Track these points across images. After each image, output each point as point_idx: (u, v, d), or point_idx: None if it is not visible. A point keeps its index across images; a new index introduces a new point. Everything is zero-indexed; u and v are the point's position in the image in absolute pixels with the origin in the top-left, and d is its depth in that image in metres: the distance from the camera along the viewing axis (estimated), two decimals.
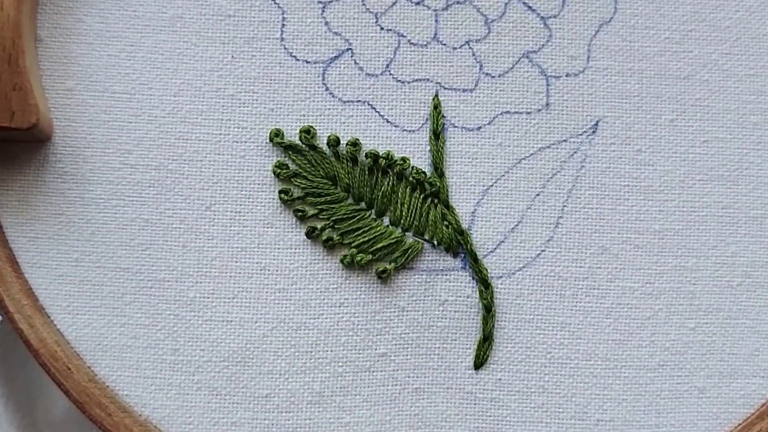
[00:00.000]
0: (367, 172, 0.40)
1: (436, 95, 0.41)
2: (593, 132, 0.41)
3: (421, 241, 0.40)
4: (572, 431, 0.39)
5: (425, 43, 0.41)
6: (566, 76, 0.41)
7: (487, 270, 0.40)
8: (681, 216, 0.40)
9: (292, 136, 0.40)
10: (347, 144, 0.40)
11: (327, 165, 0.40)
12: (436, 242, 0.40)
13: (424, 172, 0.40)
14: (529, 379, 0.40)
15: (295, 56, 0.41)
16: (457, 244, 0.40)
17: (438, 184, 0.40)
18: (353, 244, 0.40)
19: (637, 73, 0.41)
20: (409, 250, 0.40)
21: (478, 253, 0.40)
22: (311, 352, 0.40)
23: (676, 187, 0.41)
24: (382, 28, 0.41)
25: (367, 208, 0.40)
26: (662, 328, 0.40)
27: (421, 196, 0.40)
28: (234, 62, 0.40)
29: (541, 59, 0.41)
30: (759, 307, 0.40)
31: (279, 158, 0.40)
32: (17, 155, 0.40)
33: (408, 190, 0.40)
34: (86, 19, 0.40)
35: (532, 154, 0.41)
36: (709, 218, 0.40)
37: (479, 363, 0.40)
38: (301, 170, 0.40)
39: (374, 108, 0.40)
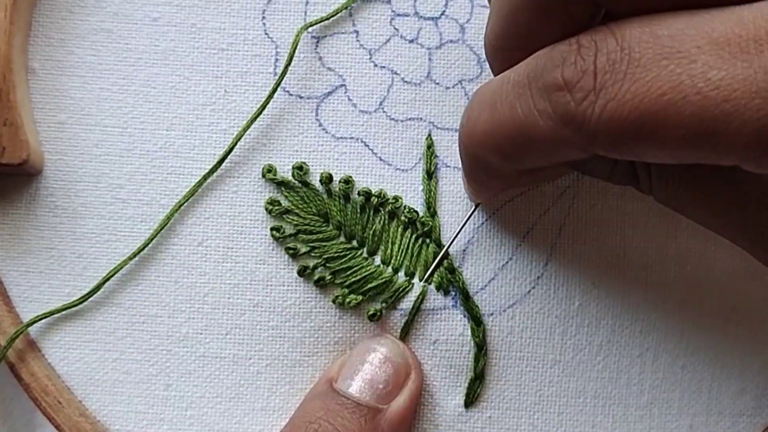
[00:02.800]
0: (359, 210, 0.40)
1: (429, 135, 0.41)
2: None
3: (411, 281, 0.40)
4: None
5: (419, 81, 0.41)
6: None
7: (478, 307, 0.40)
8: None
9: (285, 172, 0.40)
10: (340, 181, 0.40)
11: (319, 202, 0.40)
12: (427, 282, 0.40)
13: (416, 211, 0.40)
14: (519, 417, 0.40)
15: (288, 91, 0.40)
16: (449, 282, 0.40)
17: (430, 223, 0.40)
18: (344, 284, 0.40)
19: None
20: (399, 290, 0.40)
21: (469, 291, 0.40)
22: (306, 389, 0.40)
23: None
24: (375, 65, 0.41)
25: (359, 246, 0.40)
26: (651, 365, 0.40)
27: (413, 236, 0.40)
28: (227, 96, 0.40)
29: None
30: (746, 344, 0.40)
31: (271, 194, 0.40)
32: (8, 189, 0.40)
33: (400, 228, 0.40)
34: (78, 52, 0.40)
35: (523, 192, 0.41)
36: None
37: (470, 401, 0.40)
38: (293, 207, 0.40)
39: (367, 145, 0.41)
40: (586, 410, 0.40)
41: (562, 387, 0.40)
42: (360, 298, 0.40)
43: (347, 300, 0.40)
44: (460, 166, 0.41)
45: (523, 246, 0.40)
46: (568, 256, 0.40)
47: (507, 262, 0.40)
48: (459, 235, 0.40)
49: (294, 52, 0.39)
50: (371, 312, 0.40)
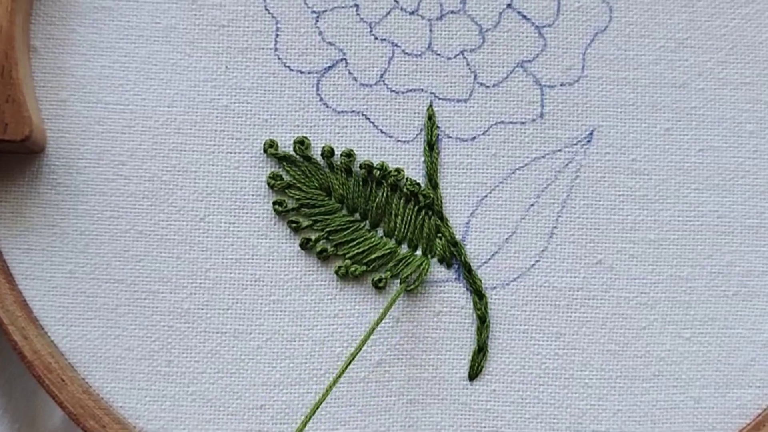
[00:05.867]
0: (361, 183, 0.40)
1: (431, 106, 0.40)
2: (588, 141, 0.41)
3: (414, 252, 0.40)
4: None
5: (419, 53, 0.41)
6: (561, 85, 0.41)
7: (481, 281, 0.40)
8: (676, 225, 0.40)
9: (287, 146, 0.40)
10: (341, 155, 0.40)
11: (321, 176, 0.40)
12: (430, 254, 0.40)
13: (418, 184, 0.40)
14: (523, 390, 0.40)
15: (289, 66, 0.40)
16: (451, 255, 0.40)
17: (432, 195, 0.40)
18: (347, 255, 0.40)
19: (632, 81, 0.41)
20: (403, 261, 0.40)
21: (472, 264, 0.40)
22: (306, 363, 0.40)
23: (671, 196, 0.41)
24: (376, 38, 0.41)
25: (361, 219, 0.40)
26: (657, 338, 0.40)
27: (416, 208, 0.40)
28: (228, 72, 0.40)
29: (535, 69, 0.41)
30: (754, 316, 0.40)
31: (273, 169, 0.40)
32: (10, 167, 0.40)
33: (402, 201, 0.40)
34: (80, 30, 0.40)
35: (526, 164, 0.40)
36: (704, 228, 0.40)
37: (474, 374, 0.40)
38: (295, 181, 0.40)
39: (368, 118, 0.40)
40: (591, 383, 0.40)
41: (567, 360, 0.40)
42: (364, 268, 0.40)
43: (351, 270, 0.40)
44: (461, 136, 0.40)
45: (526, 219, 0.40)
46: (573, 229, 0.40)
47: (511, 236, 0.40)
48: (463, 208, 0.40)
49: None
50: (377, 279, 0.40)
